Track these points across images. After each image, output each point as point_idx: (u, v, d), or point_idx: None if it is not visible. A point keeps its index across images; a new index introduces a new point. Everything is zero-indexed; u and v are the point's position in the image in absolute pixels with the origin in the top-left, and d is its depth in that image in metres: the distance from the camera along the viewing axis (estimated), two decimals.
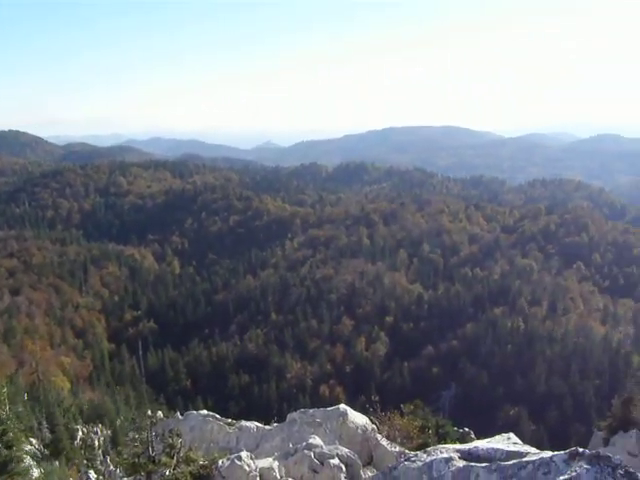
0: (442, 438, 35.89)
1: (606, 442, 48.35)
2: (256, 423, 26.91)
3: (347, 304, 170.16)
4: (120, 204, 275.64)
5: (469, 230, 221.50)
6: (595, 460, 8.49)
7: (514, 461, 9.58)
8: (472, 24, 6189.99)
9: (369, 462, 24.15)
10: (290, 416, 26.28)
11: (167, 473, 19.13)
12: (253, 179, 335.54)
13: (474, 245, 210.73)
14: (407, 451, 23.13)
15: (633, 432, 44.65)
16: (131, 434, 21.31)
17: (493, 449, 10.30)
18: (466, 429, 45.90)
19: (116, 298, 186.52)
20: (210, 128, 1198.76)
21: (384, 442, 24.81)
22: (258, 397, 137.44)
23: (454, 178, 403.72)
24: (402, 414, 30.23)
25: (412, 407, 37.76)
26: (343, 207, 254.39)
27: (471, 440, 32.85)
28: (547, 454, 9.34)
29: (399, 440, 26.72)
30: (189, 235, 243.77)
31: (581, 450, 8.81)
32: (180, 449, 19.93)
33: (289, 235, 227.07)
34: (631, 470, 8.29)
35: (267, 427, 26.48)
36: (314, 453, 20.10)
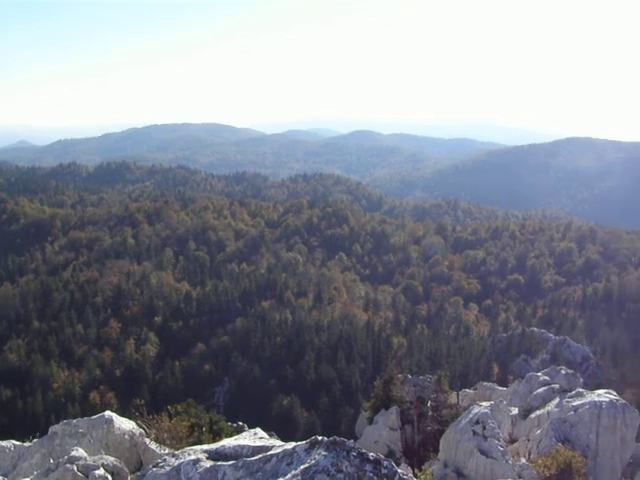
0: (217, 434, 36.10)
1: (370, 421, 51.49)
2: (13, 441, 25.43)
3: (114, 306, 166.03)
4: None
5: (234, 226, 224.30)
6: (332, 446, 9.00)
7: (260, 456, 9.89)
8: (232, 23, 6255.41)
9: (139, 468, 23.73)
10: (52, 429, 25.13)
11: None
12: (7, 180, 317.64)
13: (240, 240, 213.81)
14: (176, 452, 22.98)
15: (393, 409, 47.91)
16: None
17: (240, 446, 10.54)
18: (240, 423, 46.48)
19: None
20: None
21: (153, 446, 24.48)
22: (23, 412, 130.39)
23: (218, 175, 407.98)
24: (170, 415, 30.06)
25: (185, 406, 37.65)
26: (106, 207, 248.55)
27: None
28: (290, 445, 9.74)
29: (168, 442, 26.46)
30: None
31: (320, 438, 9.28)
32: None
33: (49, 238, 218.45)
34: (363, 451, 8.95)
35: (26, 444, 25.12)
36: (77, 466, 19.38)
